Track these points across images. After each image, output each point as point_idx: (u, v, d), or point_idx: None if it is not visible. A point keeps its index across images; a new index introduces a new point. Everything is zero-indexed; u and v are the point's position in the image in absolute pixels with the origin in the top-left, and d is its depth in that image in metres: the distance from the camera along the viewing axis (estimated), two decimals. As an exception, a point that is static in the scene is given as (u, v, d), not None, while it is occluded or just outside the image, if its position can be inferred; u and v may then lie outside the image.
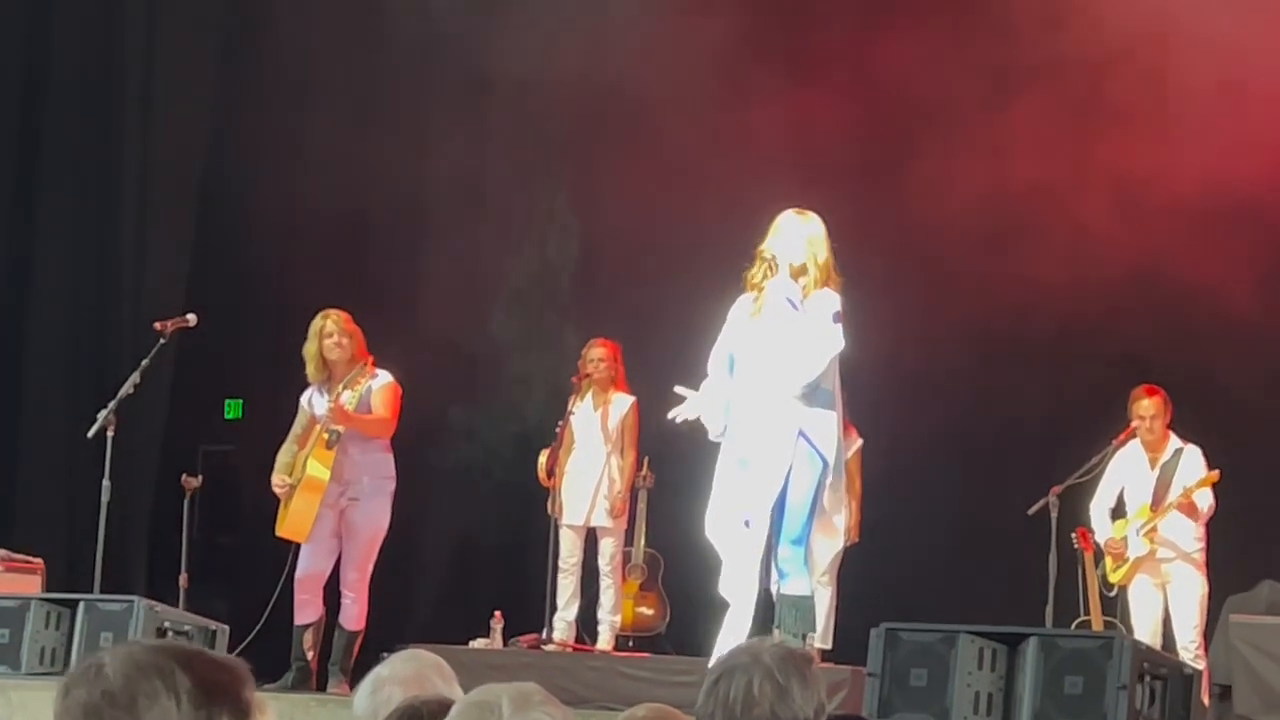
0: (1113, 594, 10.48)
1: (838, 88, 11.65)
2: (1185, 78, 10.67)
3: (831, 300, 7.99)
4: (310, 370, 9.89)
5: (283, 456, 9.93)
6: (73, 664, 8.28)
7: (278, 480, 9.85)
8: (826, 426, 7.95)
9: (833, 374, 8.01)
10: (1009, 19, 11.34)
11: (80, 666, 2.59)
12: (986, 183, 11.20)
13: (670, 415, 8.29)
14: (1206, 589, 10.15)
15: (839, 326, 7.95)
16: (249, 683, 2.60)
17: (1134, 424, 10.21)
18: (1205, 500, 10.08)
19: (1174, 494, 10.15)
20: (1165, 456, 10.26)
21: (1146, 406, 10.19)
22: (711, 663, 3.72)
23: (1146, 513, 10.23)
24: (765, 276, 8.05)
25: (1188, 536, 10.17)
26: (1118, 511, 10.46)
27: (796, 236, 8.07)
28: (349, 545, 9.90)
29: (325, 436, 9.75)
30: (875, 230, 11.04)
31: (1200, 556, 10.17)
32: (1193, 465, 10.20)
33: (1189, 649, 9.98)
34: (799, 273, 8.05)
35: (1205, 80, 10.65)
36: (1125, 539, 10.29)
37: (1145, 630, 10.14)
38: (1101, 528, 10.42)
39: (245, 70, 13.18)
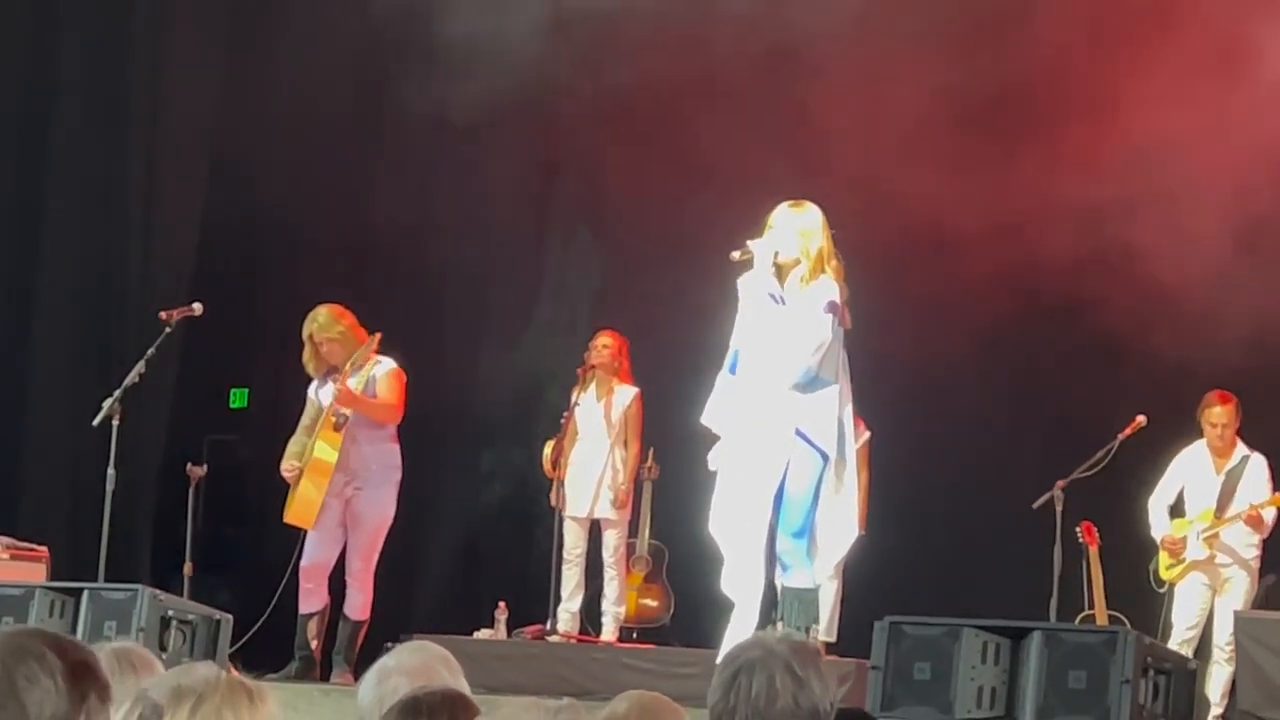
0: (1162, 590, 10.45)
1: (845, 84, 11.65)
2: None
3: (827, 290, 7.96)
4: (310, 370, 9.91)
5: (292, 446, 9.95)
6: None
7: (287, 465, 9.87)
8: (825, 418, 7.93)
9: (834, 362, 7.99)
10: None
11: None
12: (995, 173, 11.20)
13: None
14: (1252, 595, 10.18)
15: (830, 316, 7.92)
16: (98, 662, 2.71)
17: (1140, 420, 10.22)
18: (1271, 515, 10.12)
19: (1238, 501, 10.18)
20: (1232, 463, 10.28)
21: (1219, 414, 10.20)
22: (719, 659, 3.72)
23: (1210, 518, 10.24)
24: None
25: (1246, 544, 10.19)
26: (1175, 510, 10.46)
27: (788, 229, 8.07)
28: (354, 535, 9.91)
29: (333, 419, 9.76)
30: (881, 224, 11.03)
31: (1256, 564, 10.21)
32: (1258, 475, 10.22)
33: (1224, 650, 10.00)
34: (792, 265, 8.06)
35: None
36: (1184, 539, 10.28)
37: (1184, 627, 10.15)
38: (1160, 524, 10.42)
39: (253, 57, 13.16)
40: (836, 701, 3.70)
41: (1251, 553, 10.21)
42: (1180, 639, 10.00)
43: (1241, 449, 10.31)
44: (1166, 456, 10.49)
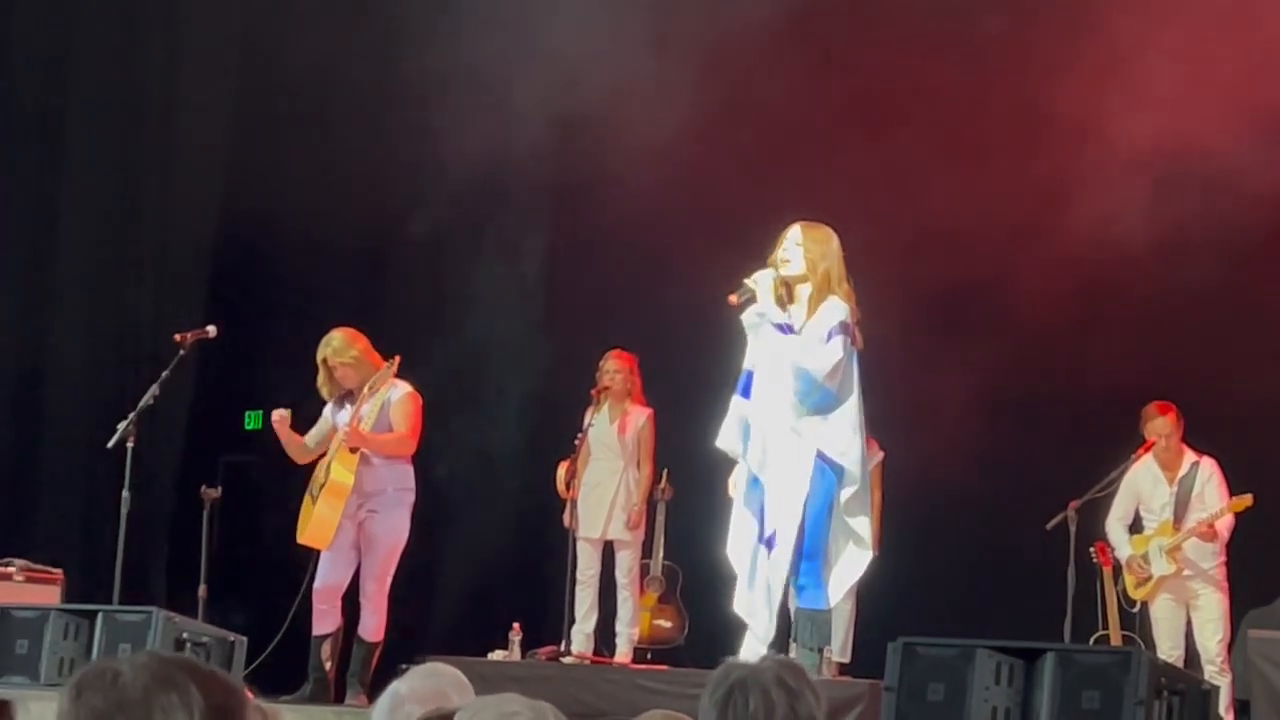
0: (1134, 609, 10.49)
1: (850, 100, 11.68)
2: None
3: (836, 311, 7.95)
4: (325, 394, 9.91)
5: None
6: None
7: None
8: (841, 437, 7.92)
9: (849, 383, 7.97)
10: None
11: (94, 670, 2.58)
12: (1001, 197, 11.22)
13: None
14: (1227, 603, 10.18)
15: (841, 337, 7.90)
16: (250, 710, 2.63)
17: (1153, 439, 10.24)
18: (1225, 523, 10.12)
19: (1195, 510, 10.18)
20: (1183, 471, 10.29)
21: (1160, 425, 10.21)
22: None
23: (1169, 531, 10.24)
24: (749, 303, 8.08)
25: (1207, 554, 10.21)
26: (1134, 527, 10.49)
27: (794, 245, 8.06)
28: (368, 556, 9.89)
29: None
30: (891, 241, 11.05)
31: (1219, 573, 10.22)
32: (1211, 480, 10.21)
33: (1214, 663, 10.01)
34: (799, 281, 8.06)
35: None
36: (1146, 555, 10.30)
37: (1167, 646, 10.16)
38: (1120, 544, 10.45)
39: (267, 79, 13.20)
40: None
41: (1213, 561, 10.22)
42: (1165, 659, 10.01)
43: (1190, 456, 10.33)
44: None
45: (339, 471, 9.71)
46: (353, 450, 9.72)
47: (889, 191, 11.54)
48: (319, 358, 9.83)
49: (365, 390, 9.75)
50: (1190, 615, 10.26)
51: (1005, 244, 11.22)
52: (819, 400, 7.93)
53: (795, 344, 7.95)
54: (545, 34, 12.03)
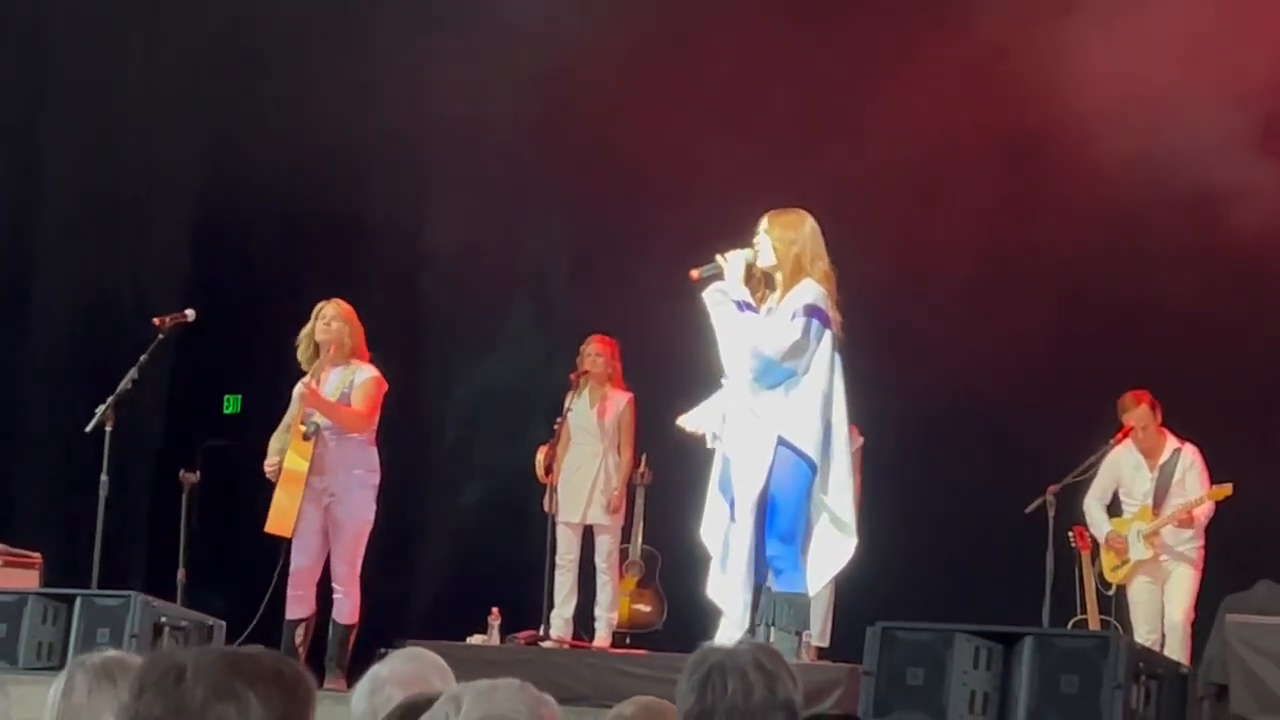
0: (1110, 592, 10.53)
1: (835, 83, 11.68)
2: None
3: (804, 294, 7.92)
4: (301, 350, 9.90)
5: (274, 443, 9.94)
6: (70, 657, 8.27)
7: (270, 463, 9.86)
8: (806, 422, 7.88)
9: (816, 364, 7.92)
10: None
11: (159, 666, 2.55)
12: (984, 195, 11.24)
13: (679, 421, 8.36)
14: (1199, 579, 10.23)
15: (805, 319, 7.87)
16: (313, 704, 2.60)
17: (1130, 425, 10.26)
18: (1204, 510, 10.16)
19: (1174, 496, 10.21)
20: (1164, 457, 10.32)
21: (1137, 415, 10.24)
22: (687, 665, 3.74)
23: (1148, 516, 10.27)
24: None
25: (1184, 538, 10.24)
26: (1113, 510, 10.52)
27: (765, 237, 8.05)
28: (336, 541, 9.90)
29: (303, 429, 9.77)
30: (879, 231, 11.06)
31: (1196, 555, 10.26)
32: (1191, 468, 10.23)
33: (1176, 631, 10.05)
34: (773, 271, 8.05)
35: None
36: (1125, 539, 10.35)
37: (1144, 630, 10.20)
38: (1098, 522, 10.48)
39: (246, 64, 13.18)
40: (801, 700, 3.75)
41: (1190, 545, 10.29)
42: (1142, 643, 10.04)
43: (1172, 442, 10.37)
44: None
45: (293, 459, 9.76)
46: (305, 438, 9.73)
47: (880, 182, 11.55)
48: (314, 310, 9.88)
49: (312, 368, 9.79)
50: (1164, 588, 10.31)
51: (988, 233, 11.24)
52: (776, 378, 7.90)
53: (754, 323, 7.93)
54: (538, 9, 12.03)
